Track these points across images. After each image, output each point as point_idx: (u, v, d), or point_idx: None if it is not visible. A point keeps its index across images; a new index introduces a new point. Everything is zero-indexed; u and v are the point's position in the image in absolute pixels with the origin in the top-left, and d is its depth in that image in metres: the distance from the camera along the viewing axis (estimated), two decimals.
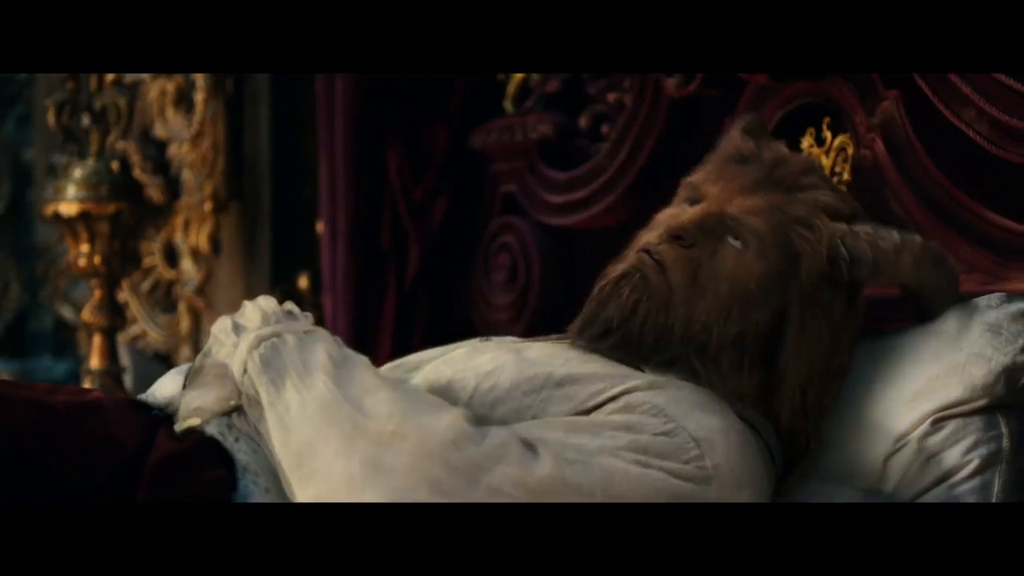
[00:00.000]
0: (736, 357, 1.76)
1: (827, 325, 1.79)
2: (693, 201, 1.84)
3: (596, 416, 1.66)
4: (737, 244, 1.76)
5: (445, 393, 1.70)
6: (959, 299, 1.85)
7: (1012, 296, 1.81)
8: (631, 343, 1.76)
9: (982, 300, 1.82)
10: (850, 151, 2.34)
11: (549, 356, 1.75)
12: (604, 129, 2.87)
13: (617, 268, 1.82)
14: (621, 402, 1.66)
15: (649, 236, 1.82)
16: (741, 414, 1.72)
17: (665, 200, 2.67)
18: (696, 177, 1.87)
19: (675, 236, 1.78)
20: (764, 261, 1.76)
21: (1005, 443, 1.75)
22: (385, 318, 3.10)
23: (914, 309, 1.88)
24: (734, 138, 1.92)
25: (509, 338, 1.90)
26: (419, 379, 1.76)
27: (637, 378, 1.70)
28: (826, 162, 2.36)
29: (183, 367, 1.79)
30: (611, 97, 2.85)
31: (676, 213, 1.84)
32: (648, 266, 1.77)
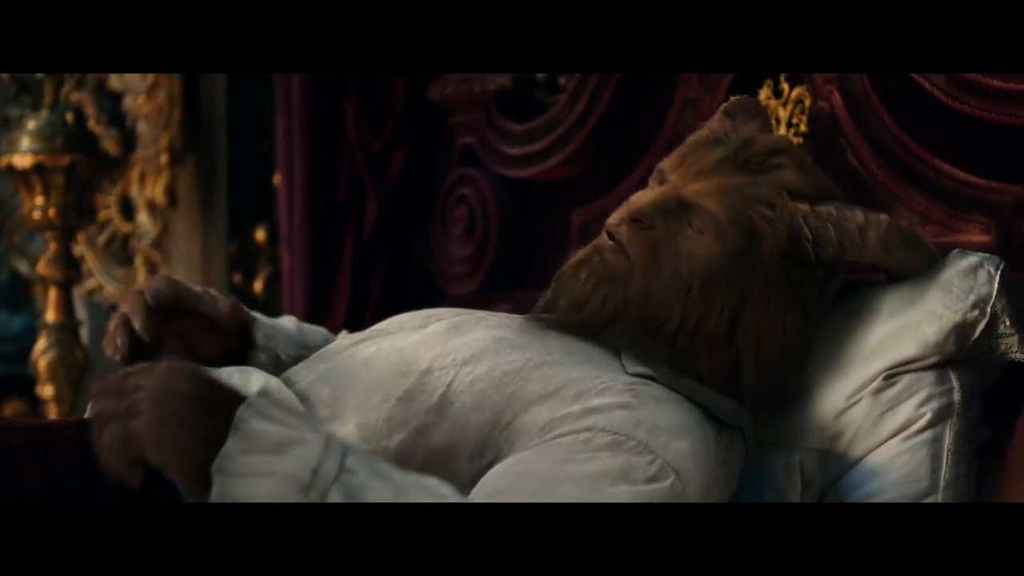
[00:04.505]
0: (695, 341, 1.75)
1: (795, 303, 1.78)
2: (660, 185, 1.82)
3: (588, 467, 1.55)
4: (696, 227, 1.75)
5: (423, 382, 1.66)
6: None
7: (965, 252, 1.83)
8: (589, 322, 1.76)
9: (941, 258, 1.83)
10: (807, 103, 2.34)
11: (530, 337, 1.73)
12: (562, 80, 2.87)
13: (580, 251, 1.82)
14: (607, 438, 1.56)
15: (612, 219, 1.80)
16: (696, 399, 1.70)
17: (622, 151, 2.70)
18: (664, 162, 1.85)
19: (634, 219, 1.77)
20: (723, 243, 1.74)
21: (956, 396, 1.79)
22: (343, 271, 3.09)
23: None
24: (713, 119, 1.91)
25: (481, 313, 1.87)
26: (395, 356, 1.72)
27: (609, 380, 1.65)
28: (783, 114, 2.36)
29: None
30: None
31: (641, 196, 1.82)
32: (607, 248, 1.77)
